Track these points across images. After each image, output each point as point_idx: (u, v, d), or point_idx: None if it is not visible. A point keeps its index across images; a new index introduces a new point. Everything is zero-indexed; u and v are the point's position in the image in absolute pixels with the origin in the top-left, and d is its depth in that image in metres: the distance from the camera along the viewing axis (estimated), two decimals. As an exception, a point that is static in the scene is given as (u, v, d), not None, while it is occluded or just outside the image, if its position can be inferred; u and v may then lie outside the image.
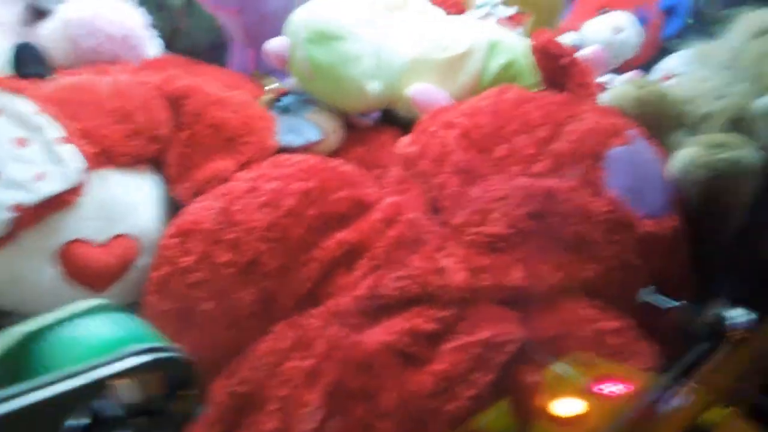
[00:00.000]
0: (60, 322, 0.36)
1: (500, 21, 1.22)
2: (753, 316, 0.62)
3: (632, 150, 0.74)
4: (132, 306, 0.64)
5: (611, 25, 1.22)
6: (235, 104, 0.77)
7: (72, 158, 0.64)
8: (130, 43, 0.92)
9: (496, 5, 1.24)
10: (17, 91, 0.65)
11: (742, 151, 0.73)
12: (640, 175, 0.73)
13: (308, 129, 0.83)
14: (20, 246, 0.62)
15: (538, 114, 0.76)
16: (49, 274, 0.63)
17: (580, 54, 0.92)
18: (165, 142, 0.72)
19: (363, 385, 0.56)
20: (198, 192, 0.68)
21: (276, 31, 0.91)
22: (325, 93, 0.88)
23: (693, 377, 0.57)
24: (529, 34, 1.04)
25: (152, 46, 0.95)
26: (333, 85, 0.87)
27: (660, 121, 0.84)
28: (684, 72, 0.98)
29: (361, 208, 0.68)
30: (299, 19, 0.88)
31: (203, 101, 0.75)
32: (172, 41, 1.04)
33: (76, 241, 0.64)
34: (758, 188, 0.67)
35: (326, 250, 0.63)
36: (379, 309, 0.60)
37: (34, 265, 0.63)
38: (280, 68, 0.91)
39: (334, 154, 0.83)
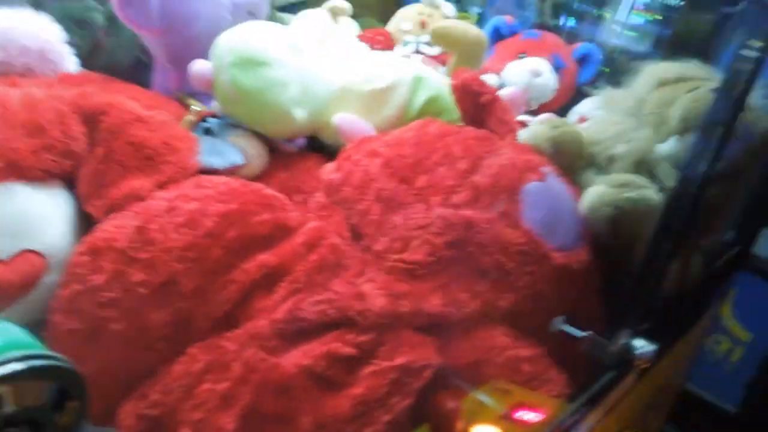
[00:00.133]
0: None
1: (425, 59, 1.26)
2: (654, 346, 0.65)
3: (547, 186, 0.77)
4: (38, 324, 0.60)
5: (530, 69, 1.28)
6: (154, 123, 0.75)
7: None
8: (46, 57, 0.88)
9: (422, 44, 1.28)
10: None
11: (646, 191, 0.78)
12: (553, 210, 0.76)
13: (232, 152, 0.82)
14: None
15: (458, 147, 0.79)
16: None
17: (500, 93, 0.96)
18: (79, 159, 0.69)
19: (279, 409, 0.54)
20: (112, 210, 0.66)
21: (200, 54, 0.90)
22: (250, 117, 0.88)
23: (601, 405, 0.59)
24: (451, 74, 1.08)
25: (70, 61, 0.92)
26: (258, 110, 0.87)
27: (572, 159, 0.88)
28: (595, 116, 1.04)
29: (283, 231, 0.67)
30: (225, 43, 0.88)
31: (121, 119, 0.72)
32: (92, 58, 1.01)
33: (-25, 256, 0.60)
34: (658, 226, 0.71)
35: (246, 272, 0.62)
36: (297, 332, 0.59)
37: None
38: (204, 90, 0.90)
39: (258, 178, 0.83)
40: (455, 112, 0.94)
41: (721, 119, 0.68)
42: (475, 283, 0.67)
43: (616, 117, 0.98)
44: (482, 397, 0.58)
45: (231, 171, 0.80)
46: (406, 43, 1.32)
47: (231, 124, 0.88)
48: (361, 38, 1.33)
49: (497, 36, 1.42)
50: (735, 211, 1.10)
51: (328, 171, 0.80)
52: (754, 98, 0.89)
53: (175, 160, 0.73)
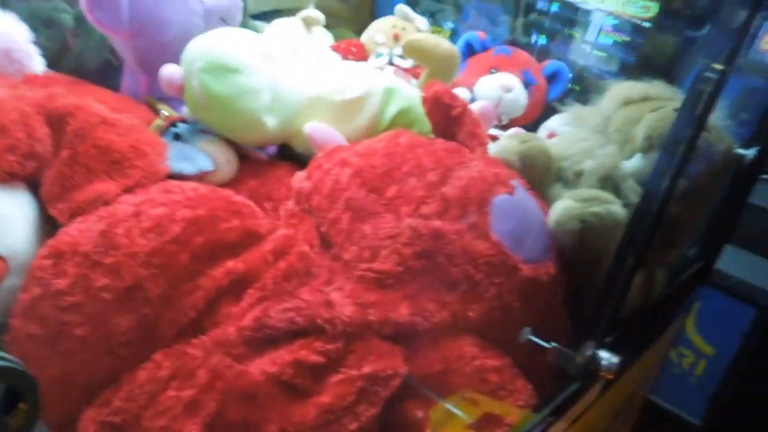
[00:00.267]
0: None
1: (398, 71, 1.27)
2: (618, 359, 0.66)
3: (515, 199, 0.78)
4: (-2, 328, 0.59)
5: (501, 84, 1.30)
6: (122, 127, 0.74)
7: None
8: (11, 56, 0.87)
9: (395, 56, 1.29)
10: None
11: (611, 206, 0.79)
12: (521, 223, 0.77)
13: (201, 158, 0.81)
14: None
15: (429, 159, 0.79)
16: None
17: (471, 107, 0.97)
18: (43, 161, 0.68)
19: (245, 416, 0.54)
20: (76, 213, 0.65)
21: (171, 59, 0.89)
22: (220, 124, 0.87)
23: (566, 415, 0.60)
24: (423, 87, 1.09)
25: (36, 62, 0.90)
26: (228, 116, 0.86)
27: (540, 174, 0.90)
28: (563, 131, 1.05)
29: (251, 238, 0.67)
30: (197, 49, 0.87)
31: (88, 121, 0.71)
32: (60, 60, 0.99)
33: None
34: (622, 240, 0.73)
35: (213, 278, 0.62)
36: (265, 340, 0.58)
37: None
38: (174, 95, 0.89)
39: (228, 185, 0.82)
40: (426, 125, 0.95)
41: (683, 138, 0.70)
42: (443, 293, 0.67)
43: (583, 133, 1.00)
44: (450, 407, 0.59)
45: (200, 177, 0.79)
46: (379, 55, 1.32)
47: (201, 130, 0.88)
48: (335, 49, 1.34)
49: (469, 51, 1.44)
50: (698, 228, 1.13)
51: (299, 179, 0.80)
52: (716, 119, 0.92)
53: (143, 164, 0.72)
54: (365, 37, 1.43)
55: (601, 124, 1.00)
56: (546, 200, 0.86)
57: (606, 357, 0.65)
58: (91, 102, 0.74)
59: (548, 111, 1.38)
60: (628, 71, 1.61)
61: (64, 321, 0.56)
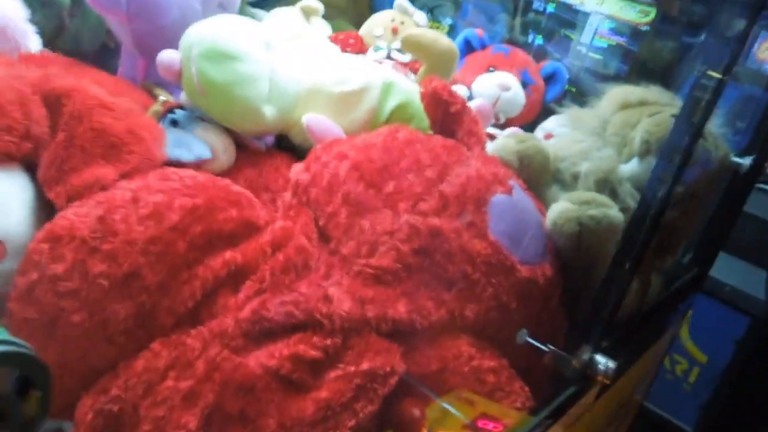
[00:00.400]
0: None
1: (396, 65, 1.26)
2: (614, 363, 0.67)
3: (513, 199, 0.78)
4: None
5: (499, 83, 1.29)
6: (120, 111, 0.72)
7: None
8: (7, 34, 0.85)
9: (393, 50, 1.28)
10: None
11: (608, 209, 0.79)
12: (519, 223, 0.77)
13: (198, 146, 0.80)
14: None
15: (427, 155, 0.79)
16: None
17: (469, 105, 0.97)
18: (40, 142, 0.67)
19: (243, 409, 0.53)
20: (73, 197, 0.63)
21: (169, 43, 0.88)
22: (218, 112, 0.86)
23: (562, 419, 0.60)
24: (420, 82, 1.08)
25: (32, 40, 0.89)
26: (226, 104, 0.85)
27: (537, 174, 0.90)
28: (561, 133, 1.05)
29: (249, 229, 0.66)
30: (195, 34, 0.86)
31: (85, 104, 0.70)
32: (55, 40, 0.98)
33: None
34: (620, 245, 0.73)
35: (211, 268, 0.61)
36: (262, 332, 0.58)
37: None
38: (171, 81, 0.88)
39: (225, 174, 0.81)
40: (424, 120, 0.94)
41: (681, 144, 0.70)
42: (441, 291, 0.67)
43: (580, 135, 1.00)
44: (447, 405, 0.59)
45: (197, 165, 0.78)
46: (377, 49, 1.32)
47: (198, 116, 0.87)
48: (333, 40, 1.33)
49: (468, 48, 1.44)
50: (693, 234, 1.14)
51: (297, 171, 0.79)
52: (712, 126, 0.93)
53: (140, 150, 0.71)
54: (364, 30, 1.42)
55: (599, 126, 1.00)
56: (543, 201, 0.86)
57: (602, 361, 0.65)
58: (89, 84, 0.73)
59: (544, 112, 1.38)
60: (623, 75, 1.62)
61: (61, 306, 0.55)
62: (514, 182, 0.81)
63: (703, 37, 1.36)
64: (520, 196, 0.80)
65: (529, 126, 1.30)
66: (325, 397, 0.55)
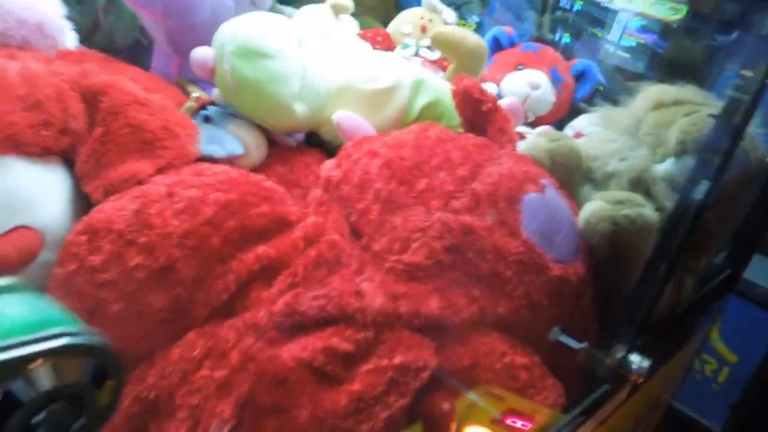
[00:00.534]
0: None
1: (425, 63, 1.26)
2: (648, 362, 0.66)
3: (546, 197, 0.77)
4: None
5: (528, 81, 1.28)
6: (155, 107, 0.73)
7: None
8: (44, 31, 0.86)
9: (422, 47, 1.28)
10: None
11: (643, 209, 0.78)
12: (552, 222, 0.76)
13: (231, 142, 0.80)
14: None
15: (459, 153, 0.78)
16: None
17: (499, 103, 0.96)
18: (77, 137, 0.68)
19: (276, 400, 0.54)
20: (110, 191, 0.65)
21: (202, 41, 0.89)
22: (250, 108, 0.87)
23: (594, 417, 0.59)
24: (450, 80, 1.08)
25: (69, 37, 0.90)
26: (257, 101, 0.86)
27: (569, 173, 0.89)
28: (592, 132, 1.04)
29: (282, 225, 0.67)
30: (229, 32, 0.86)
31: (122, 100, 0.71)
32: (90, 37, 0.99)
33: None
34: (657, 245, 0.72)
35: (244, 263, 0.62)
36: (295, 326, 0.58)
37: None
38: (204, 78, 0.89)
39: (256, 170, 0.82)
40: (455, 118, 0.94)
41: (721, 146, 0.69)
42: (472, 288, 0.67)
43: (613, 135, 0.99)
44: (476, 399, 0.58)
45: (229, 161, 0.79)
46: (406, 46, 1.32)
47: (231, 113, 0.87)
48: (361, 37, 1.33)
49: (496, 46, 1.43)
50: (727, 236, 1.12)
51: (328, 168, 0.80)
52: (749, 126, 0.91)
53: (175, 145, 0.71)
54: (392, 28, 1.42)
55: (632, 125, 0.98)
56: (575, 200, 0.85)
57: (636, 361, 0.65)
58: (125, 80, 0.74)
59: (573, 111, 1.37)
60: (651, 74, 1.60)
61: (99, 297, 0.56)
62: (546, 181, 0.80)
63: (734, 35, 1.34)
64: (553, 194, 0.80)
65: (558, 125, 1.29)
66: (358, 390, 0.56)
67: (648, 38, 1.62)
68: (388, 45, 1.35)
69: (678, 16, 1.57)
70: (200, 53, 0.87)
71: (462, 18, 1.74)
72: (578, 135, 1.13)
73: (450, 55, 1.18)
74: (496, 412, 0.57)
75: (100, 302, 0.57)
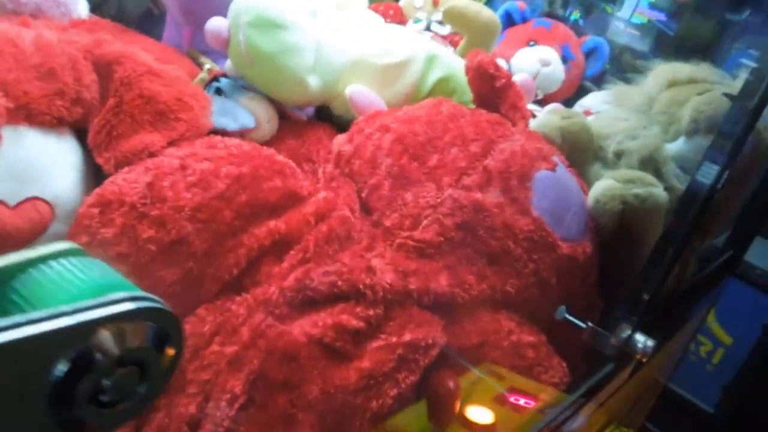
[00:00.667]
0: (32, 263, 0.33)
1: (435, 37, 1.25)
2: (652, 342, 0.66)
3: (557, 175, 0.77)
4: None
5: (539, 58, 1.27)
6: (168, 78, 0.73)
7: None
8: (57, 0, 0.86)
9: (433, 22, 1.27)
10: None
11: (653, 189, 0.78)
12: (562, 200, 0.76)
13: (243, 114, 0.80)
14: None
15: (471, 129, 0.78)
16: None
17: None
18: (90, 107, 0.68)
19: (287, 376, 0.54)
20: (122, 163, 0.64)
21: (216, 11, 0.88)
22: (263, 81, 0.86)
23: (596, 397, 0.60)
24: (462, 55, 1.07)
25: (81, 6, 0.90)
26: (271, 73, 0.85)
27: (581, 151, 0.89)
28: (602, 110, 1.04)
29: (293, 199, 0.67)
30: (243, 2, 0.85)
31: (135, 70, 0.70)
32: (101, 5, 0.99)
33: (-17, 200, 0.58)
34: (667, 226, 0.72)
35: (255, 237, 0.62)
36: (306, 301, 0.59)
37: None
38: (217, 49, 0.88)
39: (268, 143, 0.81)
40: (467, 94, 0.93)
41: (739, 127, 0.68)
42: (482, 266, 0.67)
43: (624, 113, 0.98)
44: (479, 373, 0.59)
45: (241, 134, 0.78)
46: (417, 20, 1.30)
47: (243, 86, 0.87)
48: (373, 10, 1.31)
49: (509, 21, 1.41)
50: (730, 217, 1.12)
51: (340, 142, 0.80)
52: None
53: (188, 117, 0.71)
54: (404, 1, 1.40)
55: (644, 104, 0.98)
56: (585, 179, 0.85)
57: (641, 340, 0.65)
58: (138, 50, 0.74)
59: (580, 89, 1.36)
60: (662, 51, 1.58)
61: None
62: (557, 158, 0.80)
63: (745, 14, 1.32)
64: (563, 172, 0.80)
65: (566, 102, 1.29)
66: (368, 367, 0.56)
67: (657, 16, 1.60)
68: (399, 18, 1.33)
69: (690, -8, 1.55)
70: (215, 24, 0.86)
71: (473, -8, 1.71)
72: (587, 113, 1.13)
73: (462, 30, 1.17)
74: (500, 392, 0.57)
75: (113, 274, 0.57)
